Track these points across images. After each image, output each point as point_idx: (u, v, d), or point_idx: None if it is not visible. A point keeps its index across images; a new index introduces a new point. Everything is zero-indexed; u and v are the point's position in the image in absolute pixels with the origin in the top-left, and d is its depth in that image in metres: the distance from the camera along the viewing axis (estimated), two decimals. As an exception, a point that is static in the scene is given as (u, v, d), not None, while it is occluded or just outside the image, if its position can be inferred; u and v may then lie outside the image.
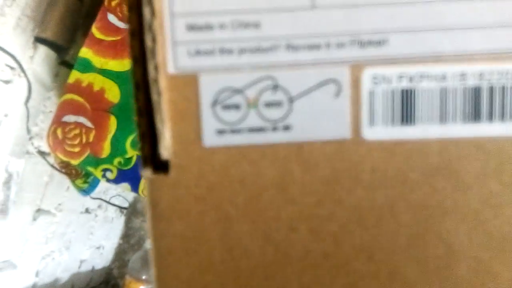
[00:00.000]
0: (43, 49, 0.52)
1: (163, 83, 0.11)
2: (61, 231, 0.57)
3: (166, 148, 0.12)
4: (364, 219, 0.12)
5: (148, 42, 0.11)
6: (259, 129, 0.12)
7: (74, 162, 0.46)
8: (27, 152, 0.51)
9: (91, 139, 0.45)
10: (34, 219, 0.53)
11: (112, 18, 0.46)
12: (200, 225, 0.12)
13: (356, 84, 0.11)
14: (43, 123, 0.53)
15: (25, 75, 0.49)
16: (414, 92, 0.11)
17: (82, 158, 0.45)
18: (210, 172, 0.12)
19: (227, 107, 0.12)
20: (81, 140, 0.45)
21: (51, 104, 0.54)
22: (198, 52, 0.11)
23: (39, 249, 0.54)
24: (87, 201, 0.59)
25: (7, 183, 0.48)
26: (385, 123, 0.12)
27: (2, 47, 0.44)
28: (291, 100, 0.11)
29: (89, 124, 0.45)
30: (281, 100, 0.11)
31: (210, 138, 0.12)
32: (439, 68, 0.11)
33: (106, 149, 0.45)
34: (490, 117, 0.12)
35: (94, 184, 0.50)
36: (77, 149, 0.45)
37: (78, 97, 0.46)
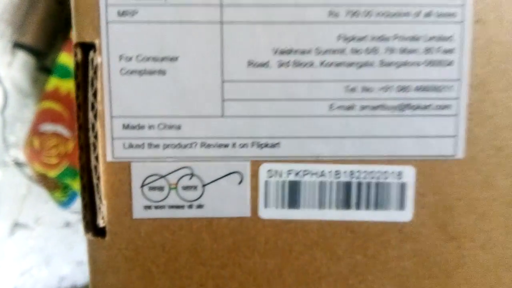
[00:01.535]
0: (21, 55, 0.51)
1: (102, 169, 0.14)
2: (40, 246, 0.56)
3: (103, 218, 0.15)
4: (258, 280, 0.15)
5: (92, 138, 0.14)
6: (178, 207, 0.15)
7: (52, 174, 0.44)
8: (4, 163, 0.51)
9: (69, 150, 0.43)
10: (12, 233, 0.53)
11: (93, 22, 0.45)
12: (128, 280, 0.15)
13: (255, 175, 0.15)
14: (21, 132, 0.51)
15: (1, 83, 0.48)
16: (299, 184, 0.15)
17: (60, 170, 0.44)
18: (138, 238, 0.15)
19: (153, 188, 0.15)
20: (59, 151, 0.43)
21: (29, 112, 0.52)
22: (131, 146, 0.14)
23: (17, 265, 0.53)
24: (68, 215, 0.59)
25: (-17, 196, 0.47)
26: (277, 206, 0.15)
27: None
28: (204, 185, 0.15)
29: (67, 134, 0.43)
30: (196, 185, 0.15)
31: (138, 212, 0.15)
32: (319, 166, 0.15)
33: None
34: (358, 205, 0.15)
35: (73, 196, 0.49)
36: (54, 161, 0.43)
37: (56, 105, 0.43)
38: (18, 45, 0.50)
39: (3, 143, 0.50)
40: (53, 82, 0.43)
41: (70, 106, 0.42)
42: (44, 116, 0.44)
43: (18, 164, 0.53)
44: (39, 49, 0.52)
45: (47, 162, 0.44)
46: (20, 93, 0.51)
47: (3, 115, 0.49)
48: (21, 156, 0.52)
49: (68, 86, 0.42)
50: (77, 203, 0.52)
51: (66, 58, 0.42)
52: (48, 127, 0.43)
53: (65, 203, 0.50)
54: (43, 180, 0.49)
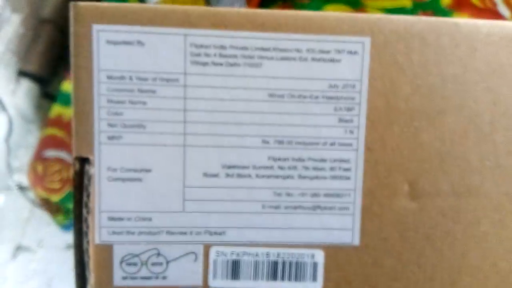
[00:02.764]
0: (25, 83, 0.53)
1: (91, 249, 0.19)
2: (42, 269, 0.57)
3: (91, 286, 0.19)
4: (207, 333, 0.20)
5: (84, 228, 0.19)
6: (148, 278, 0.20)
7: (55, 198, 0.45)
8: (7, 188, 0.52)
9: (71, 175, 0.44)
10: (14, 256, 0.53)
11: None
12: (107, 333, 0.20)
13: (206, 255, 0.20)
14: (25, 157, 0.53)
15: (6, 110, 0.49)
16: (239, 262, 0.20)
17: (62, 195, 0.45)
18: (116, 302, 0.20)
19: (129, 264, 0.19)
20: (61, 176, 0.45)
21: (33, 138, 0.54)
22: (114, 233, 0.19)
23: None
24: (69, 237, 0.57)
25: (-13, 219, 0.48)
26: (222, 278, 0.20)
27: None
28: (167, 262, 0.20)
29: (70, 159, 0.44)
30: (161, 262, 0.20)
31: (118, 281, 0.20)
32: (254, 249, 0.20)
33: None
34: (283, 278, 0.20)
35: None
36: (57, 186, 0.45)
37: (59, 131, 0.45)
38: (22, 73, 0.52)
39: (7, 168, 0.51)
40: (56, 109, 0.45)
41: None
42: (47, 142, 0.45)
43: (22, 188, 0.54)
44: (42, 77, 0.54)
45: (50, 187, 0.45)
46: (24, 120, 0.53)
47: (7, 141, 0.50)
48: (25, 180, 0.52)
49: (70, 113, 0.44)
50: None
51: (69, 86, 0.40)
52: (51, 153, 0.45)
53: (67, 226, 0.50)
54: (46, 205, 0.49)
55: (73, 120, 0.19)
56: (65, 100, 0.45)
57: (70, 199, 0.44)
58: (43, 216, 0.54)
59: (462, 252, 0.20)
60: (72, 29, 0.18)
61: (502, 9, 0.38)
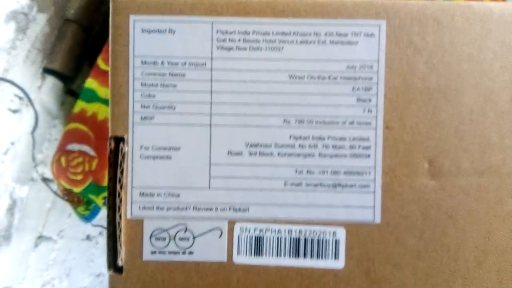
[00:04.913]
0: (50, 79, 0.55)
1: (123, 224, 0.20)
2: (62, 258, 0.58)
3: (121, 259, 0.20)
4: (231, 309, 0.20)
5: (117, 202, 0.20)
6: (175, 252, 0.21)
7: (77, 189, 0.47)
8: (32, 179, 0.53)
9: (93, 167, 0.46)
10: (36, 245, 0.54)
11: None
12: (136, 306, 0.20)
13: (231, 231, 0.20)
14: (48, 151, 0.55)
15: (32, 106, 0.51)
16: (262, 238, 0.20)
17: (84, 186, 0.46)
18: (145, 275, 0.20)
19: (158, 238, 0.20)
20: (83, 168, 0.46)
21: (57, 132, 0.56)
22: (144, 208, 0.20)
23: (39, 276, 0.55)
24: (89, 228, 0.59)
25: (11, 209, 0.49)
26: (246, 254, 0.20)
27: (11, 80, 0.48)
28: (194, 237, 0.20)
29: (92, 152, 0.46)
30: (188, 237, 0.20)
31: (147, 255, 0.20)
32: (277, 226, 0.20)
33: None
34: (305, 255, 0.20)
35: (95, 211, 0.52)
36: (79, 177, 0.46)
37: (82, 126, 0.46)
38: (47, 71, 0.53)
39: (32, 160, 0.53)
40: (80, 105, 0.47)
41: (94, 127, 0.46)
42: (71, 136, 0.47)
43: (45, 180, 0.55)
44: (66, 74, 0.55)
45: (73, 178, 0.46)
46: (48, 115, 0.54)
47: (33, 135, 0.52)
48: (48, 172, 0.53)
49: (93, 109, 0.46)
50: (99, 216, 0.53)
51: (92, 83, 0.47)
52: (74, 146, 0.46)
53: (87, 218, 0.52)
54: (68, 195, 0.51)
55: (110, 103, 0.21)
56: (88, 97, 0.47)
57: (92, 191, 0.46)
58: (64, 207, 0.55)
59: (487, 232, 0.20)
60: (111, 19, 0.20)
61: None
